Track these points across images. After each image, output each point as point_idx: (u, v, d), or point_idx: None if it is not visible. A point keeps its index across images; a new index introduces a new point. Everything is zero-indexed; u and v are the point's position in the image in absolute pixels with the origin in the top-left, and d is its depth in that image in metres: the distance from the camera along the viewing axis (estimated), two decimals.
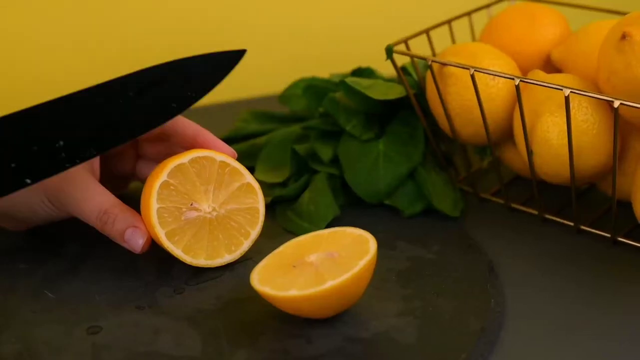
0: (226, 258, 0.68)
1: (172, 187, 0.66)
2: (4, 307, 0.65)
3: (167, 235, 0.66)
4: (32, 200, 0.69)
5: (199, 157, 0.67)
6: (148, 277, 0.68)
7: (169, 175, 0.66)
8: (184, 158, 0.67)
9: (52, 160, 0.63)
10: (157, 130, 0.69)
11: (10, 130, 0.63)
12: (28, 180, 0.63)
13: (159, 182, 0.66)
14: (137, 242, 0.67)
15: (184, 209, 0.66)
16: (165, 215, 0.66)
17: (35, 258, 0.71)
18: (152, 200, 0.65)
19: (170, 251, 0.66)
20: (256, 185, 0.69)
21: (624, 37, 0.64)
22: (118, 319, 0.63)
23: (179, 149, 0.71)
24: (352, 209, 0.77)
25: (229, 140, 0.88)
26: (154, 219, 0.65)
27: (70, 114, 0.64)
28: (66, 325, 0.63)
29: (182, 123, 0.71)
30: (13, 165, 0.63)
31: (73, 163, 0.64)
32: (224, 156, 0.68)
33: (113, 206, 0.68)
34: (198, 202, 0.67)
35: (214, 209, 0.67)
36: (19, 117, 0.63)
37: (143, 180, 0.74)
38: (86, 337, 0.62)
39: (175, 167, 0.66)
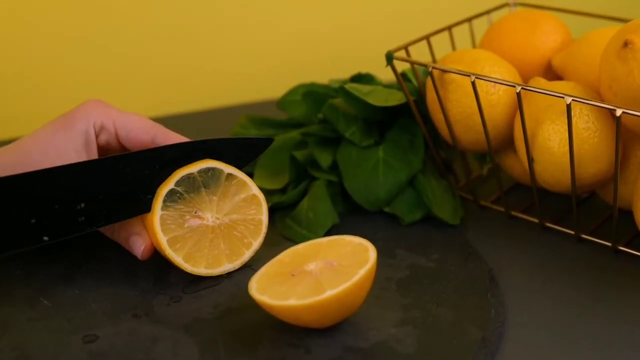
0: (227, 267, 0.68)
1: (178, 195, 0.66)
2: None
3: (169, 242, 0.65)
4: None
5: (208, 168, 0.67)
6: (145, 285, 0.67)
7: (176, 183, 0.66)
8: (194, 168, 0.67)
9: (71, 221, 0.65)
10: (149, 146, 0.70)
11: (34, 187, 0.64)
12: (45, 238, 0.65)
13: (167, 189, 0.66)
14: (138, 249, 0.67)
15: (187, 217, 0.66)
16: (169, 222, 0.66)
17: (31, 265, 0.70)
18: (158, 206, 0.65)
19: (171, 258, 0.65)
20: (261, 197, 0.69)
21: (626, 44, 0.64)
22: (114, 328, 0.63)
23: None
24: (351, 216, 0.77)
25: None
26: (157, 225, 0.65)
27: (95, 178, 0.66)
28: (62, 334, 0.62)
29: (175, 139, 0.71)
30: (32, 221, 0.64)
31: (91, 227, 0.66)
32: (232, 169, 0.68)
33: None
34: (202, 211, 0.67)
35: (217, 219, 0.67)
36: (44, 175, 0.65)
37: None
38: (82, 345, 0.61)
39: (184, 176, 0.66)
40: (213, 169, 0.68)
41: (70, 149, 0.69)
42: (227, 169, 0.68)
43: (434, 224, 0.75)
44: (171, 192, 0.66)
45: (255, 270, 0.63)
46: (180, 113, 1.05)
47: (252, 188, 0.69)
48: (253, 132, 0.89)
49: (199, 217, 0.67)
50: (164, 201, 0.66)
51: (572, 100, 0.65)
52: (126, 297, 0.66)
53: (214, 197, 0.67)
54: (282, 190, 0.80)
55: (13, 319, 0.64)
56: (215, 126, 0.95)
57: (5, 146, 0.69)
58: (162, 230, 0.65)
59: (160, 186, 0.66)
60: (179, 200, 0.66)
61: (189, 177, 0.67)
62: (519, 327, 0.63)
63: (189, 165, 0.67)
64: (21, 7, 1.00)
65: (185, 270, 0.66)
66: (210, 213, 0.67)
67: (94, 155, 0.70)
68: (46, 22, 1.02)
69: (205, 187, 0.67)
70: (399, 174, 0.76)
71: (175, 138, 0.71)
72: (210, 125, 0.99)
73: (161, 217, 0.65)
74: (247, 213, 0.68)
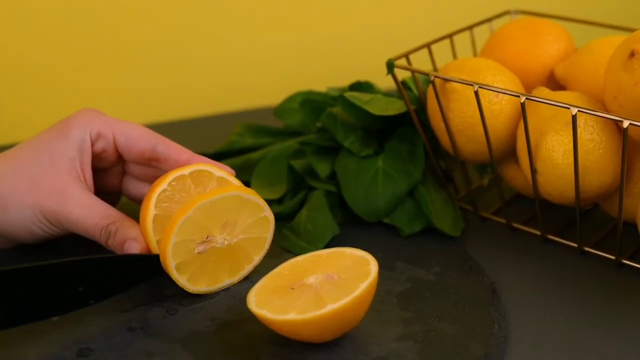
0: (226, 282, 0.67)
1: (191, 224, 0.64)
2: None
3: (177, 267, 0.64)
4: (28, 222, 0.68)
5: (228, 197, 0.65)
6: (140, 297, 0.66)
7: (194, 211, 0.64)
8: (214, 197, 0.64)
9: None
10: (149, 154, 0.69)
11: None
12: (54, 318, 0.63)
13: (184, 217, 0.63)
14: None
15: (198, 241, 0.64)
16: (179, 248, 0.64)
17: None
18: (172, 234, 0.63)
19: (175, 280, 0.64)
20: (271, 218, 0.68)
21: (632, 54, 0.63)
22: (109, 341, 0.61)
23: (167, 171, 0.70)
24: (349, 227, 0.75)
25: (223, 155, 0.86)
26: (169, 250, 0.63)
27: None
28: (55, 347, 0.61)
29: (176, 149, 0.70)
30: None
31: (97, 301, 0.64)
32: (252, 195, 0.66)
33: (115, 221, 0.67)
34: (213, 235, 0.65)
35: (226, 240, 0.66)
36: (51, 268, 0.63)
37: (129, 196, 0.74)
38: (76, 359, 0.60)
39: (204, 204, 0.64)
40: (233, 197, 0.65)
41: (64, 156, 0.68)
42: (246, 195, 0.66)
43: (434, 236, 0.74)
44: (189, 220, 0.63)
45: (252, 283, 0.62)
46: (177, 119, 1.03)
47: (265, 210, 0.67)
48: (249, 140, 0.87)
49: (209, 242, 0.65)
50: (180, 228, 0.63)
51: (578, 111, 0.63)
52: (121, 310, 0.65)
53: (227, 222, 0.65)
54: (280, 200, 0.78)
55: (4, 332, 0.62)
56: (211, 133, 0.94)
57: (1, 153, 0.68)
58: (173, 255, 0.63)
59: (177, 213, 0.64)
60: (193, 229, 0.64)
61: (209, 206, 0.64)
62: (521, 342, 0.62)
63: (209, 193, 0.65)
64: (21, 14, 0.99)
65: (187, 290, 0.65)
66: (220, 235, 0.65)
67: (87, 163, 0.69)
68: (46, 28, 1.01)
69: (222, 214, 0.65)
70: (398, 184, 0.75)
71: (176, 147, 0.70)
72: (206, 133, 0.97)
73: (174, 245, 0.63)
74: (254, 233, 0.67)
